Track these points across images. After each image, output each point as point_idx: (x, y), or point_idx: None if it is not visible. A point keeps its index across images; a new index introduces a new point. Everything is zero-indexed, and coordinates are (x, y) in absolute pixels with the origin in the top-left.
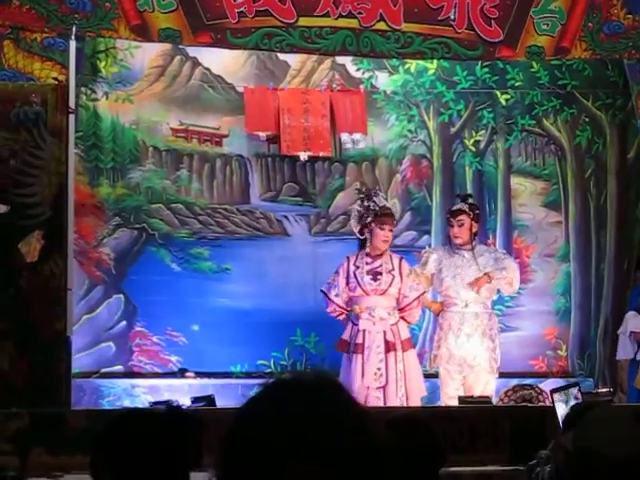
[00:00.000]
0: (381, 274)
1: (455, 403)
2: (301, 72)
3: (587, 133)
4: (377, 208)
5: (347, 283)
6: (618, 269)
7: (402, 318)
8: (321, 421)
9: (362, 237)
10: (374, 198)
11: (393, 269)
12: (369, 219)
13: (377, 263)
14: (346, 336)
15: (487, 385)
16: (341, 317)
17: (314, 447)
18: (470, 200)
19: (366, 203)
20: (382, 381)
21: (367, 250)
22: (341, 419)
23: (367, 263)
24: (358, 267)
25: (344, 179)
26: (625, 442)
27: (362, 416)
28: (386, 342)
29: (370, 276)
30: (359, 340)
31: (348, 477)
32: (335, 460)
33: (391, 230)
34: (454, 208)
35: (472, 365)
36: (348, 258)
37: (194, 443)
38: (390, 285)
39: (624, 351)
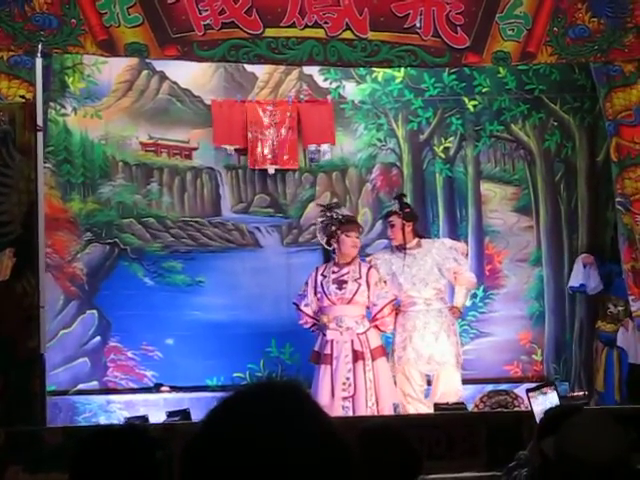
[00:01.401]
0: (346, 282)
1: (419, 405)
2: (269, 83)
3: (556, 137)
4: (340, 216)
5: (315, 293)
6: None
7: (376, 327)
8: (285, 429)
9: (330, 247)
10: (335, 210)
11: (360, 277)
12: (334, 228)
13: (344, 271)
14: (317, 347)
15: (455, 381)
16: (313, 328)
17: (278, 456)
18: (403, 200)
19: (328, 214)
20: (351, 391)
21: (335, 260)
22: (306, 427)
23: (334, 272)
24: (325, 277)
25: (315, 189)
26: (607, 448)
27: (326, 424)
28: (354, 352)
29: (335, 285)
30: (327, 351)
31: None
32: (300, 468)
33: (357, 237)
34: (386, 210)
35: (441, 362)
36: (317, 268)
37: (149, 461)
38: (355, 293)
39: (575, 278)
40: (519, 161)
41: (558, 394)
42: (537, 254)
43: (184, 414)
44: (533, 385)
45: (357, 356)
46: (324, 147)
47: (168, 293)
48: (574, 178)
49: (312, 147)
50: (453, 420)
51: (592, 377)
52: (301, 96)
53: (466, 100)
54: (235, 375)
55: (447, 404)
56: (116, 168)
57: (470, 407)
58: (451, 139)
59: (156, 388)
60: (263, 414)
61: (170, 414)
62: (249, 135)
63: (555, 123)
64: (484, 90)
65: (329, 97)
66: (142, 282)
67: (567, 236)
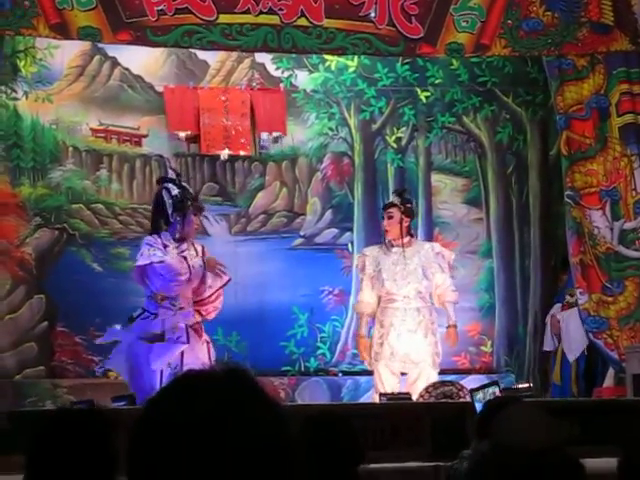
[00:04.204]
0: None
1: None
2: (221, 71)
3: (508, 130)
4: (193, 194)
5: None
6: (545, 265)
7: (197, 312)
8: (231, 414)
9: (172, 221)
10: (183, 184)
11: (197, 255)
12: (188, 203)
13: (183, 247)
14: (149, 326)
15: (430, 380)
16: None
17: (223, 441)
18: (405, 195)
19: (180, 188)
20: (180, 369)
21: (176, 235)
22: (252, 413)
23: (176, 248)
24: (167, 247)
25: (264, 178)
26: (537, 436)
27: (274, 407)
28: (187, 331)
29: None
30: (157, 329)
31: (258, 471)
32: (245, 454)
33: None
34: (387, 202)
35: (416, 361)
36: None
37: (108, 444)
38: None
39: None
40: (470, 153)
41: (500, 392)
42: (487, 246)
43: (130, 399)
44: (480, 381)
45: (189, 336)
46: (276, 135)
47: (116, 279)
48: (525, 171)
49: (264, 135)
50: (398, 410)
51: (547, 369)
52: (253, 84)
53: (419, 91)
54: None
55: (392, 394)
56: (66, 153)
57: (415, 397)
58: (403, 129)
59: (103, 373)
60: (210, 397)
61: (115, 399)
62: (202, 121)
63: (507, 116)
64: (437, 81)
65: (281, 86)
66: (90, 268)
67: (518, 229)
